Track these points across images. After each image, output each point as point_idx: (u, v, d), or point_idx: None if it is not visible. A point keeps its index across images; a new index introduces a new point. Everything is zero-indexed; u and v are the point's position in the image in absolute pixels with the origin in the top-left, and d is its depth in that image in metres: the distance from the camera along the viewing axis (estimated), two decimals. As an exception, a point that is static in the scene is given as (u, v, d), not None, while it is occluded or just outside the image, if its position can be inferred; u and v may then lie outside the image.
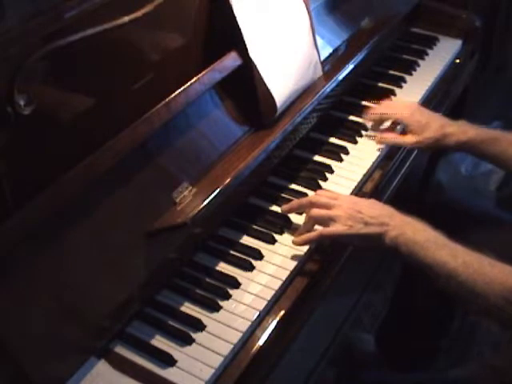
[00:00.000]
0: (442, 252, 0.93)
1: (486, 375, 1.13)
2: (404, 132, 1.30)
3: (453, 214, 0.99)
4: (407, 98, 1.45)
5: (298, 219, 1.10)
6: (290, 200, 1.14)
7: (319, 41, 1.27)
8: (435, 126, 1.23)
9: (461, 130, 1.22)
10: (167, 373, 0.85)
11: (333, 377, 1.61)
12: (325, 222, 1.02)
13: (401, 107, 1.30)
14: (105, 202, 0.88)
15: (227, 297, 0.95)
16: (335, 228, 1.00)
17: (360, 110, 1.40)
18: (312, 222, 1.05)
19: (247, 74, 1.09)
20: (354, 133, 1.32)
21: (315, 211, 1.03)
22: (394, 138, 1.27)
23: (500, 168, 1.32)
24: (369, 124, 1.34)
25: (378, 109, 1.33)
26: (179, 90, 0.98)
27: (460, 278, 0.91)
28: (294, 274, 1.01)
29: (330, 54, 1.34)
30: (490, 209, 1.40)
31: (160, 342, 0.89)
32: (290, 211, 1.10)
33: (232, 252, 1.03)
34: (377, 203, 1.05)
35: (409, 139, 1.25)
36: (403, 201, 1.55)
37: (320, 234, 1.02)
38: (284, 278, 0.98)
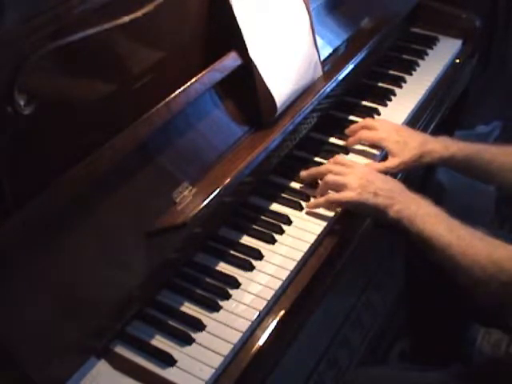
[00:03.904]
0: (439, 226, 0.98)
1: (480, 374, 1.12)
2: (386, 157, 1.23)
3: None
4: (407, 98, 1.45)
5: (298, 219, 1.10)
6: (289, 200, 1.14)
7: (319, 41, 1.27)
8: (414, 144, 1.18)
9: (443, 146, 1.18)
10: (167, 373, 0.85)
11: (333, 377, 1.61)
12: (337, 187, 1.07)
13: (379, 130, 1.24)
14: (105, 202, 0.88)
15: (227, 297, 0.95)
16: (344, 194, 1.05)
17: (360, 110, 1.40)
18: (326, 187, 1.10)
19: (247, 74, 1.09)
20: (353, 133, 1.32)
21: (329, 177, 1.09)
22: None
23: (485, 183, 1.29)
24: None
25: (356, 127, 1.28)
26: (179, 90, 0.98)
27: (453, 251, 0.95)
28: (294, 274, 1.01)
29: (330, 54, 1.34)
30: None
31: (160, 341, 0.89)
32: (308, 178, 1.16)
33: (232, 252, 1.03)
34: (390, 179, 1.10)
35: (389, 163, 1.19)
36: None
37: (327, 199, 1.08)
38: (284, 278, 0.98)
